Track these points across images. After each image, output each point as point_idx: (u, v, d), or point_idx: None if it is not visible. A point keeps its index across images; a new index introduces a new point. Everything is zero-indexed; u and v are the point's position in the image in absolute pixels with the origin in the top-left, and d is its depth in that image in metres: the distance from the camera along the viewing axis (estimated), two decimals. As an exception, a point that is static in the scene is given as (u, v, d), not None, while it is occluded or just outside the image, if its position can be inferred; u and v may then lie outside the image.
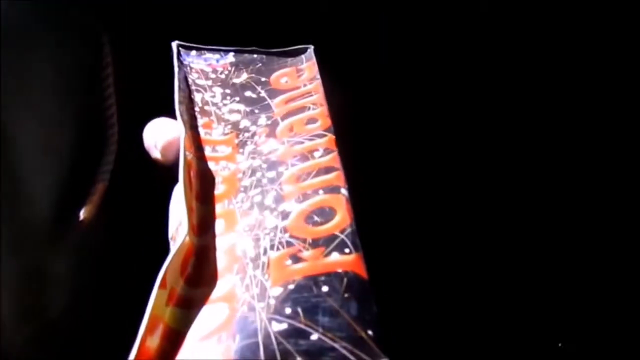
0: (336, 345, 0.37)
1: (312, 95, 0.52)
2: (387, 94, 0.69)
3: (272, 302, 0.39)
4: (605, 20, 0.71)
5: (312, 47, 0.57)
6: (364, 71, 0.68)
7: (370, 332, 0.38)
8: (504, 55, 0.70)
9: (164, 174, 0.54)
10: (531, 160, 0.71)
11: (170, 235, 0.50)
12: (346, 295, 0.39)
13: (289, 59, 0.56)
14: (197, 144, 0.49)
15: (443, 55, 0.70)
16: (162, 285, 0.40)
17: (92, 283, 0.56)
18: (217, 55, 0.56)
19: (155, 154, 0.53)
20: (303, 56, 0.57)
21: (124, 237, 0.58)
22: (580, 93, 0.71)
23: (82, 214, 0.54)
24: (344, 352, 0.37)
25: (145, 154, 0.55)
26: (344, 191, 0.45)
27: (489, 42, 0.70)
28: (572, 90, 0.71)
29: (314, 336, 0.37)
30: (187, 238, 0.42)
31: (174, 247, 0.41)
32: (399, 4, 0.70)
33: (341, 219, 0.43)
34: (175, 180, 0.51)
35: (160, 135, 0.53)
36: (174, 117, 0.56)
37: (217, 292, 0.41)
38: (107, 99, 0.58)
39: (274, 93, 0.54)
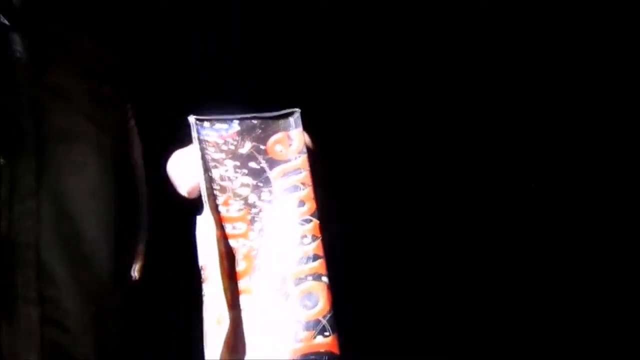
0: None
1: (300, 173, 0.70)
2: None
3: None
4: (605, 20, 0.77)
5: (299, 111, 0.72)
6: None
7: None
8: (504, 54, 0.77)
9: (188, 205, 0.74)
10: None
11: (200, 264, 0.72)
12: None
13: (280, 122, 0.73)
14: (219, 224, 0.69)
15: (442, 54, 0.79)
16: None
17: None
18: (225, 125, 0.73)
19: (182, 191, 0.73)
20: (291, 119, 0.73)
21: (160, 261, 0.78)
22: (579, 91, 0.78)
23: (135, 273, 0.75)
24: None
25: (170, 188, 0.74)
26: (325, 279, 0.67)
27: (490, 39, 0.77)
28: (570, 88, 0.78)
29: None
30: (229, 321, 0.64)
31: (222, 331, 0.64)
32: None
33: (323, 305, 0.66)
34: (197, 211, 0.72)
35: (184, 182, 0.73)
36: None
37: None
38: (136, 165, 0.76)
39: (272, 163, 0.71)
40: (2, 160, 0.68)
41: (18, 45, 0.69)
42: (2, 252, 0.69)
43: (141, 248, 0.75)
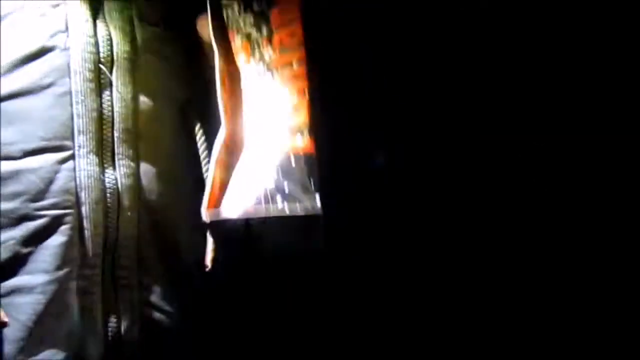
0: (294, 188, 0.85)
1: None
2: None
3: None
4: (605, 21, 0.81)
5: None
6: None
7: (312, 180, 0.85)
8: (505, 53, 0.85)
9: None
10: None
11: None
12: (303, 165, 0.85)
13: None
14: (223, 54, 0.88)
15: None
16: None
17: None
18: None
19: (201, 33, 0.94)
20: None
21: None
22: (579, 92, 0.83)
23: (208, 262, 0.95)
24: (298, 189, 0.85)
25: None
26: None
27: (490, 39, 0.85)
28: (570, 88, 0.84)
29: (286, 189, 0.85)
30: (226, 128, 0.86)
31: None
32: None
33: (304, 118, 0.86)
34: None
35: (200, 26, 0.93)
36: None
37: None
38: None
39: (271, 3, 0.90)
40: (113, 183, 0.90)
41: (118, 102, 0.90)
42: (113, 252, 0.91)
43: (211, 245, 0.95)
